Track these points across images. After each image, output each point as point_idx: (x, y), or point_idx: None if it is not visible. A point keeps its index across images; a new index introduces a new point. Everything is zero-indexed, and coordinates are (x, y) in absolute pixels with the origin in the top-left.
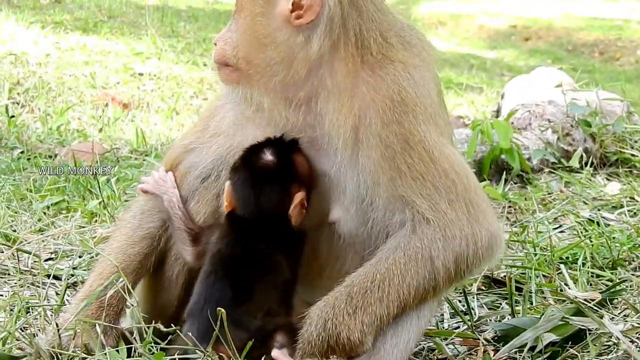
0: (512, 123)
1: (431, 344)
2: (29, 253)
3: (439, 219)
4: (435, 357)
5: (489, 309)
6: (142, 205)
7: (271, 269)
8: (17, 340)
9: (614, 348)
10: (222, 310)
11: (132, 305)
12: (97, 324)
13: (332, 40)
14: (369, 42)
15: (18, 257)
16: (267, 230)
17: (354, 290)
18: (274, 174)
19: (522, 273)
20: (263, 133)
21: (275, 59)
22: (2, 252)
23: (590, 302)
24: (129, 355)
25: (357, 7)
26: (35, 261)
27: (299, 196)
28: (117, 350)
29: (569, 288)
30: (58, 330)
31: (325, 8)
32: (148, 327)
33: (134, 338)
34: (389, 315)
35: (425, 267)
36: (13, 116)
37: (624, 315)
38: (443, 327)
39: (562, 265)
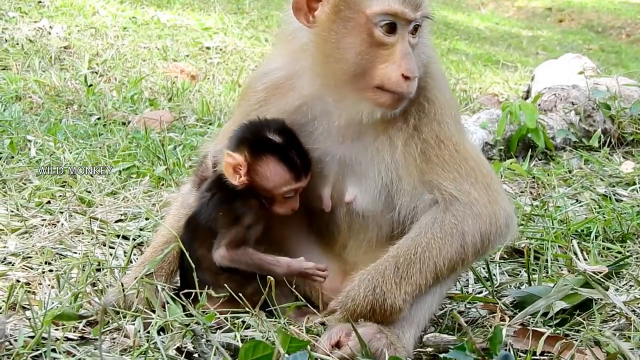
0: (539, 105)
1: (456, 306)
2: (97, 219)
3: (466, 198)
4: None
5: (510, 275)
6: (183, 190)
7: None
8: (89, 295)
9: (617, 317)
10: (272, 279)
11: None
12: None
13: None
14: None
15: (91, 221)
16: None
17: (399, 261)
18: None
19: (541, 244)
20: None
21: None
22: (77, 212)
23: (597, 275)
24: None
25: None
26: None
27: (228, 157)
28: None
29: (580, 261)
30: (123, 290)
31: None
32: (201, 294)
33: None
34: (425, 285)
35: (458, 241)
36: (91, 85)
37: (630, 286)
38: (467, 292)
39: (575, 239)
